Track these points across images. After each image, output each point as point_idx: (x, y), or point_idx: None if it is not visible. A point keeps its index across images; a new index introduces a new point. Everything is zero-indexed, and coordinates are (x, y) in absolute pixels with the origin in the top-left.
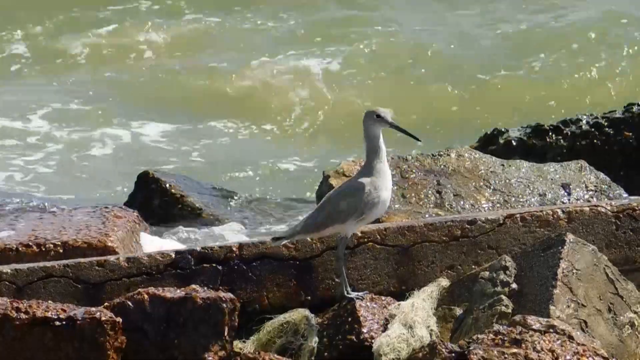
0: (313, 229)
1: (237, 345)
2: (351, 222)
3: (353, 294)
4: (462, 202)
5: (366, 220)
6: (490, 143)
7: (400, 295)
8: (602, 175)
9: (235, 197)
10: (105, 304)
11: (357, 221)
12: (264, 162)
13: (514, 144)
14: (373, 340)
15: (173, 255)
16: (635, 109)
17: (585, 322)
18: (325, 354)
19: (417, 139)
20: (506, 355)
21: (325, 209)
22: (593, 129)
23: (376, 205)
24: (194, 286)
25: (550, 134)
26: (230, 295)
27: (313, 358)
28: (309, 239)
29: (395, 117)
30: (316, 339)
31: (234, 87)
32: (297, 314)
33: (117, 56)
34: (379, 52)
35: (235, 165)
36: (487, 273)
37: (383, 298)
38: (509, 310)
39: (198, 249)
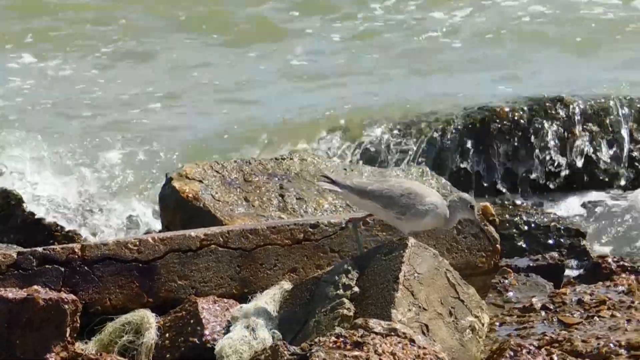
0: (359, 192)
1: (79, 346)
2: (389, 212)
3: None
4: (304, 206)
5: (405, 224)
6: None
7: (243, 297)
8: (443, 180)
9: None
10: None
11: (395, 215)
12: None
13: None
14: (215, 342)
15: (15, 256)
16: (473, 113)
17: (426, 325)
18: (168, 355)
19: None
20: (348, 358)
21: (384, 185)
22: (435, 133)
23: (418, 217)
24: (35, 287)
25: (392, 138)
26: (72, 296)
27: (152, 356)
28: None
29: None
30: (155, 336)
31: None
32: (138, 315)
33: None
34: None
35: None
36: (329, 276)
37: (225, 300)
38: (351, 314)
39: (40, 249)
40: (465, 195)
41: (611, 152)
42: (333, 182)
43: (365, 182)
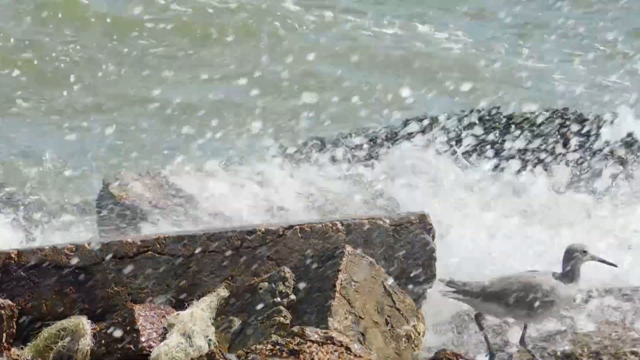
0: (481, 298)
1: (15, 351)
2: (518, 313)
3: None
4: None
5: (535, 320)
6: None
7: (180, 305)
8: (380, 187)
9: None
10: None
11: (524, 314)
12: None
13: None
14: (151, 350)
15: None
16: (412, 124)
17: (362, 334)
18: None
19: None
20: None
21: (499, 287)
22: (371, 142)
23: (548, 313)
24: None
25: (329, 146)
26: (8, 301)
27: None
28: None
29: None
30: (90, 342)
31: None
32: (74, 321)
33: None
34: None
35: None
36: (266, 284)
37: (162, 307)
38: (288, 321)
39: None
40: (572, 246)
41: None
42: (452, 283)
43: (489, 285)
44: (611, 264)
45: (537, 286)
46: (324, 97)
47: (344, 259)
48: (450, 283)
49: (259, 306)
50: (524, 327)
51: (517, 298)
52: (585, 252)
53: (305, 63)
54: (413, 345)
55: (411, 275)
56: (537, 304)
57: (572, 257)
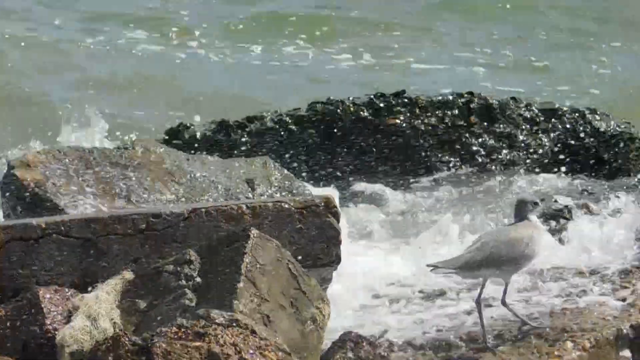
0: (472, 268)
1: None
2: (507, 269)
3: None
4: (147, 196)
5: (521, 269)
6: (176, 137)
7: (85, 287)
8: (285, 171)
9: None
10: None
11: (510, 269)
12: None
13: (199, 138)
14: (56, 332)
15: None
16: (318, 107)
17: (268, 316)
18: (8, 344)
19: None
20: (189, 349)
21: (485, 252)
22: (277, 126)
23: (534, 258)
24: None
25: (235, 129)
26: None
27: None
28: None
29: None
30: None
31: None
32: None
33: None
34: None
35: None
36: (171, 267)
37: (67, 290)
38: (193, 304)
39: None
40: (523, 198)
41: None
42: (438, 268)
43: (470, 256)
44: (565, 218)
45: (520, 240)
46: None
47: (249, 242)
48: (435, 269)
49: (164, 289)
50: (505, 286)
51: (507, 257)
52: (536, 203)
53: None
54: (318, 328)
55: (316, 258)
56: (523, 255)
57: (524, 209)
